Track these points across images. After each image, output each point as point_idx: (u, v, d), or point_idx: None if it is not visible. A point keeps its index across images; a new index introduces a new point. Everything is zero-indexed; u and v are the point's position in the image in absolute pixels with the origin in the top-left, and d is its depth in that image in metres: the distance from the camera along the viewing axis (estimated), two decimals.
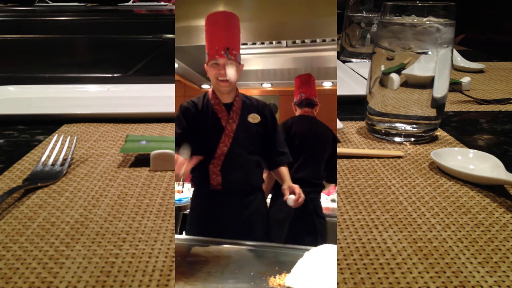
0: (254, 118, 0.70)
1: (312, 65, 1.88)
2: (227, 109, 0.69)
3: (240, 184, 0.69)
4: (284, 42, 1.58)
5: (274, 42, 1.58)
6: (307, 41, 1.55)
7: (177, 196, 1.19)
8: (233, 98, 0.70)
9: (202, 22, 1.35)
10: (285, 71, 2.03)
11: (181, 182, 1.24)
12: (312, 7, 1.32)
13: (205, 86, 2.13)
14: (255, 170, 0.71)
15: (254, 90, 2.45)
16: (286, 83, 2.11)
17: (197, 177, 0.69)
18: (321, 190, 0.94)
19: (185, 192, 1.23)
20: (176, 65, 1.65)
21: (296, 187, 0.69)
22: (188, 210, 1.21)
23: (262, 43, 1.54)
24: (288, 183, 0.71)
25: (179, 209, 1.16)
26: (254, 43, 1.52)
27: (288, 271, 0.40)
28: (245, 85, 2.37)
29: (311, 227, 0.87)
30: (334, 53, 1.23)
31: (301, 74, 1.04)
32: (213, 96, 0.70)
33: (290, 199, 0.68)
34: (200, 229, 0.68)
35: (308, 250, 0.40)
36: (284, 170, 0.73)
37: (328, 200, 1.18)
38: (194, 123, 0.68)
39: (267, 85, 2.16)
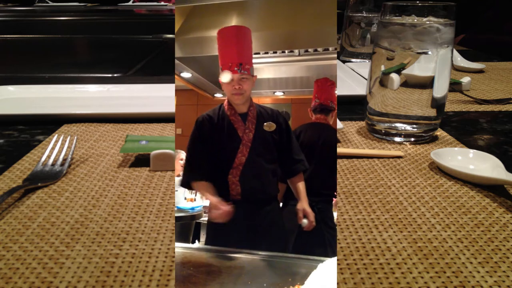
0: (270, 126, 0.71)
1: (325, 73, 1.90)
2: (243, 119, 0.70)
3: (258, 193, 0.70)
4: (296, 51, 1.60)
5: (286, 51, 1.60)
6: (319, 49, 1.57)
7: (190, 204, 1.19)
8: (248, 108, 0.71)
9: (215, 33, 1.38)
10: (297, 80, 2.05)
11: (193, 191, 1.24)
12: (320, 17, 1.34)
13: (218, 95, 2.15)
14: (271, 179, 0.71)
15: (266, 98, 2.48)
16: (298, 91, 2.13)
17: (217, 187, 0.70)
18: (331, 200, 0.93)
19: (198, 201, 1.23)
20: (189, 75, 1.68)
21: (310, 214, 0.70)
22: (202, 219, 1.21)
23: (274, 52, 1.56)
24: (302, 204, 0.71)
25: (192, 217, 1.15)
26: (266, 52, 1.54)
27: (302, 282, 0.39)
28: (257, 93, 2.39)
29: (319, 238, 0.86)
30: (336, 62, 1.25)
31: (319, 79, 1.04)
32: (228, 107, 0.71)
33: (304, 223, 0.70)
34: (219, 239, 0.68)
35: (322, 261, 0.40)
36: (301, 186, 0.73)
37: None
38: (211, 136, 0.69)
39: (279, 93, 2.18)
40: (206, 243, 0.71)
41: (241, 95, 0.69)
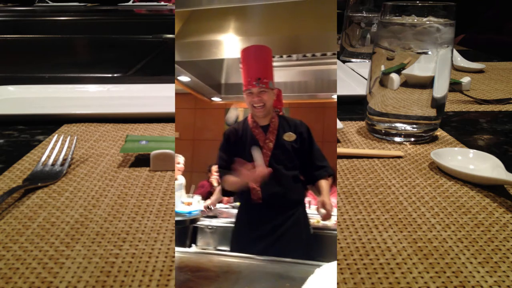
0: (289, 136, 0.76)
1: (322, 77, 1.91)
2: (264, 130, 0.76)
3: (279, 198, 0.74)
4: (294, 56, 1.61)
5: (284, 56, 1.60)
6: (317, 54, 1.58)
7: (187, 208, 1.19)
8: (270, 120, 0.76)
9: (213, 37, 1.39)
10: (295, 84, 2.07)
11: (191, 194, 1.24)
12: (319, 22, 1.35)
13: (216, 99, 2.16)
14: (293, 185, 0.75)
15: None
16: (296, 96, 2.15)
17: (240, 193, 0.75)
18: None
19: (194, 205, 1.23)
20: (188, 79, 1.68)
21: (328, 204, 0.71)
22: (199, 223, 1.22)
23: (272, 57, 1.57)
24: (323, 196, 0.73)
25: (190, 221, 1.15)
26: None
27: (299, 287, 0.39)
28: None
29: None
30: (336, 67, 1.25)
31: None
32: (251, 120, 0.77)
33: (321, 212, 0.71)
34: (243, 243, 0.73)
35: (319, 266, 0.40)
36: (323, 183, 0.75)
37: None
38: (236, 146, 0.76)
39: None
40: (232, 247, 0.75)
41: (262, 107, 0.73)
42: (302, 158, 0.76)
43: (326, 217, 0.71)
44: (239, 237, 0.75)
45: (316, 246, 0.86)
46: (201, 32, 1.42)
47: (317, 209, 0.72)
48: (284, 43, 1.41)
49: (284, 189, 0.74)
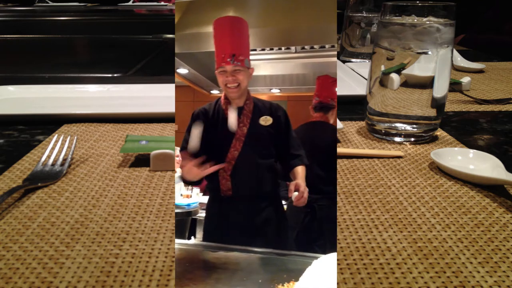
0: (265, 120, 0.69)
1: (321, 70, 1.92)
2: (238, 113, 0.68)
3: (251, 190, 0.68)
4: (293, 48, 1.60)
5: (283, 48, 1.60)
6: (316, 47, 1.57)
7: (186, 201, 1.19)
8: (244, 102, 0.69)
9: (211, 29, 1.38)
10: (294, 77, 2.05)
11: (189, 187, 1.23)
12: (319, 13, 1.35)
13: (215, 92, 2.15)
14: (267, 175, 0.69)
15: (262, 95, 2.48)
16: (294, 89, 2.13)
17: (210, 183, 0.69)
18: (334, 197, 0.92)
19: (193, 197, 1.22)
20: (186, 71, 1.67)
21: (302, 186, 0.65)
22: (198, 215, 1.22)
23: (271, 49, 1.56)
24: (297, 180, 0.67)
25: (188, 214, 1.15)
26: (263, 49, 1.54)
27: (296, 279, 0.39)
28: (253, 90, 2.40)
29: (319, 236, 0.85)
30: (335, 59, 1.24)
31: (321, 76, 1.02)
32: (224, 101, 0.69)
33: (294, 195, 0.65)
34: (213, 236, 0.68)
35: (316, 258, 0.40)
36: (299, 169, 0.70)
37: None
38: (205, 129, 0.67)
39: (275, 90, 2.19)
40: (203, 240, 0.70)
41: (236, 87, 0.66)
42: (278, 145, 0.70)
43: (299, 199, 0.64)
44: (209, 234, 0.69)
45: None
46: (199, 23, 1.42)
47: (289, 192, 0.65)
48: (283, 35, 1.40)
49: (257, 180, 0.67)
